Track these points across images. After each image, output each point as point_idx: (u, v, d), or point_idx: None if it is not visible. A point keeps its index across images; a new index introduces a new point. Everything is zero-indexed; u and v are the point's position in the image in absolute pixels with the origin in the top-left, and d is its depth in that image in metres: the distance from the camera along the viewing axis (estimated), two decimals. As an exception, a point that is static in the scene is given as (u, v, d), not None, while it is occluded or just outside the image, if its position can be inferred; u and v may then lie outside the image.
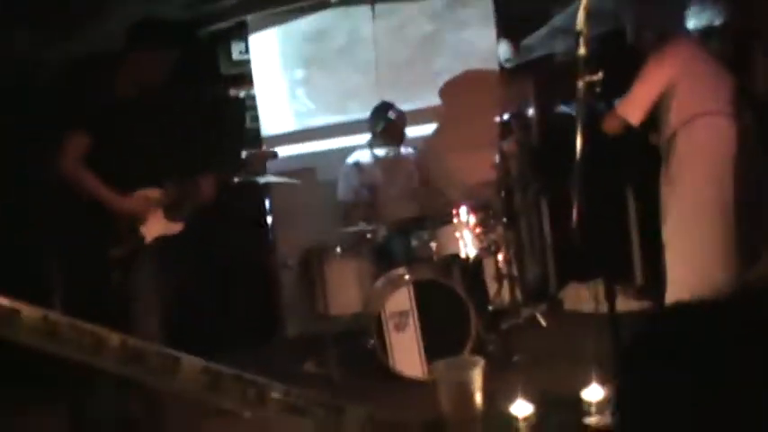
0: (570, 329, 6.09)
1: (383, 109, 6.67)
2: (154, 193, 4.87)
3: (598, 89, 3.91)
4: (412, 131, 6.89)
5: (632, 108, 5.20)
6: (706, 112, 5.18)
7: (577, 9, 4.10)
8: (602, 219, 5.41)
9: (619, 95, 5.46)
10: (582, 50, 3.89)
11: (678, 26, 5.76)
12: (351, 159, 6.73)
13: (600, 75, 3.94)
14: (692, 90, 5.22)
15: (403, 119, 6.68)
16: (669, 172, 5.33)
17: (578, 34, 3.92)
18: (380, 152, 6.69)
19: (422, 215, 6.21)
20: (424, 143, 7.14)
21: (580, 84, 3.87)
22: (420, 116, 7.16)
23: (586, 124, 3.90)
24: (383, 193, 6.58)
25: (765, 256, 3.35)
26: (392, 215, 6.38)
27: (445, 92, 7.28)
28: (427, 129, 7.32)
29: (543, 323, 6.38)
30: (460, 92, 7.25)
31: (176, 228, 5.03)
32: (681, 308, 1.32)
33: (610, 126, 5.29)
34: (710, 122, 5.19)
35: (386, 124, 6.62)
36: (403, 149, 6.74)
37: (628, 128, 5.25)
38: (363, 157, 6.71)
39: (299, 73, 7.36)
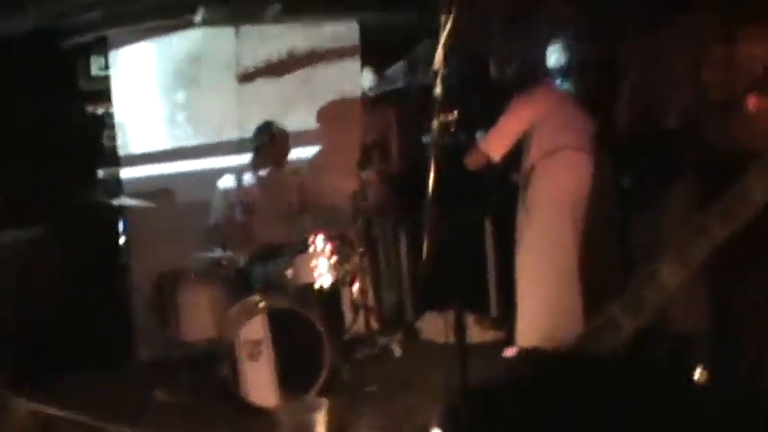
0: (425, 359, 6.12)
1: (264, 127, 6.58)
2: None
3: (452, 129, 3.94)
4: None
5: (495, 145, 5.32)
6: (565, 146, 5.33)
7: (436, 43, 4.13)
8: (458, 249, 5.47)
9: (479, 129, 5.57)
10: (437, 90, 3.91)
11: (540, 63, 5.90)
12: (222, 181, 6.62)
13: (455, 114, 3.97)
14: (553, 128, 5.37)
15: (284, 138, 6.60)
16: (525, 202, 5.45)
17: (435, 73, 3.94)
18: (262, 172, 6.59)
19: (281, 241, 6.14)
20: (307, 164, 7.10)
21: (435, 123, 3.89)
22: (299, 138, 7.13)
23: (439, 163, 3.91)
24: (259, 215, 6.48)
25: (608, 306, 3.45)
26: (266, 238, 6.29)
27: (318, 117, 7.26)
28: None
29: (398, 353, 6.39)
30: (328, 118, 7.23)
31: None
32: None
33: (472, 161, 5.40)
34: (568, 155, 5.35)
35: (265, 142, 6.53)
36: (287, 166, 6.67)
37: (489, 162, 5.36)
38: (243, 177, 6.60)
39: (175, 93, 7.19)
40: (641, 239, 5.22)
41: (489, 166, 5.46)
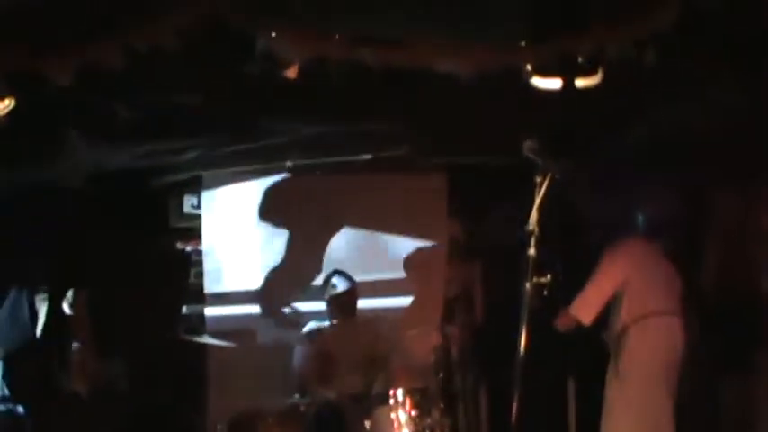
0: None
1: (329, 278, 6.62)
2: None
3: (545, 292, 3.90)
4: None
5: (585, 308, 5.19)
6: (658, 312, 5.21)
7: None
8: (541, 410, 5.35)
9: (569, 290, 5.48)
10: (531, 251, 3.88)
11: (631, 224, 5.85)
12: (307, 327, 6.64)
13: (549, 277, 3.93)
14: (644, 289, 5.27)
15: (352, 289, 6.61)
16: (618, 367, 5.30)
17: (530, 234, 3.92)
18: (335, 321, 6.60)
19: (360, 392, 6.08)
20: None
21: (527, 285, 3.85)
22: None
23: (530, 324, 3.86)
24: (333, 364, 6.46)
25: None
26: (339, 386, 6.27)
27: (404, 265, 7.29)
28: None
29: None
30: (414, 268, 7.25)
31: None
32: None
33: (562, 325, 5.28)
34: (663, 322, 5.22)
35: (332, 294, 6.56)
36: (364, 317, 6.66)
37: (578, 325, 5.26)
38: (321, 324, 6.63)
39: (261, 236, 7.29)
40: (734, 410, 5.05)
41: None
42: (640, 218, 6.32)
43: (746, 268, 5.39)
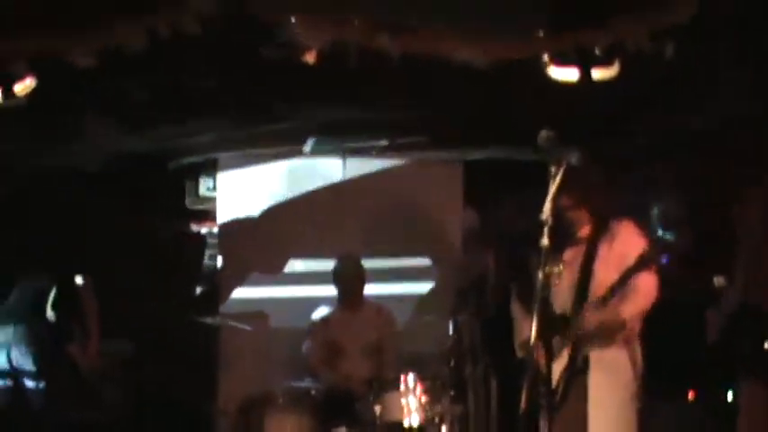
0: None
1: (338, 264, 6.68)
2: None
3: (557, 281, 3.90)
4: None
5: None
6: None
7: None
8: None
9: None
10: (544, 241, 3.87)
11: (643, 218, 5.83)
12: (318, 313, 6.68)
13: (561, 267, 3.93)
14: None
15: (360, 276, 6.65)
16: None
17: (542, 224, 3.91)
18: (343, 307, 6.64)
19: (370, 377, 6.11)
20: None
21: (540, 275, 3.85)
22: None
23: (542, 314, 3.86)
24: (341, 350, 6.50)
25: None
26: (348, 372, 6.31)
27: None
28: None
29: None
30: (428, 255, 7.30)
31: None
32: None
33: None
34: None
35: (342, 280, 6.61)
36: (372, 304, 6.70)
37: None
38: (330, 310, 6.67)
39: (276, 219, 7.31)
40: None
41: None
42: (654, 213, 6.35)
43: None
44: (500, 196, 7.11)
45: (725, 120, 5.79)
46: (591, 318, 4.47)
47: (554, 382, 4.31)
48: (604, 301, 4.45)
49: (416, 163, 7.37)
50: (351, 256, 6.73)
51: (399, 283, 7.23)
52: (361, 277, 6.67)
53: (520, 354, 4.77)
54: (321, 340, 6.53)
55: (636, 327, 4.64)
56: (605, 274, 4.53)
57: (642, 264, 4.36)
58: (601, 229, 4.68)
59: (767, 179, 5.02)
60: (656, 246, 4.55)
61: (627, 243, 4.59)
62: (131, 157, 6.74)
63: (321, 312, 6.69)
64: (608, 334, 4.53)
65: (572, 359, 4.49)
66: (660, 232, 6.30)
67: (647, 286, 4.51)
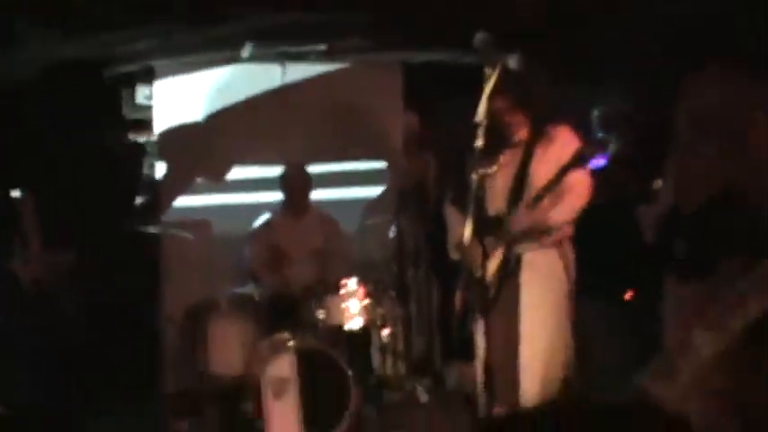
0: (450, 408, 6.08)
1: (285, 172, 6.64)
2: None
3: (491, 183, 3.95)
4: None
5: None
6: None
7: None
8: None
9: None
10: (479, 142, 3.90)
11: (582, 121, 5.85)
12: (261, 219, 6.66)
13: (494, 168, 3.98)
14: None
15: (307, 182, 6.64)
16: None
17: (476, 125, 3.93)
18: (290, 213, 6.63)
19: (313, 282, 6.16)
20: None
21: (474, 176, 3.89)
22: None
23: (477, 214, 3.92)
24: (284, 256, 6.49)
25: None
26: (298, 277, 6.31)
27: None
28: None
29: (424, 399, 6.35)
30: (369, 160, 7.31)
31: None
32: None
33: None
34: None
35: (288, 186, 6.59)
36: (317, 210, 6.70)
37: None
38: (274, 216, 6.64)
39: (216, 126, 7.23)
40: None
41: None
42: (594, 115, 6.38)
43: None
44: (439, 99, 7.12)
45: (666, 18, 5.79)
46: (522, 218, 4.49)
47: (487, 283, 4.32)
48: (536, 201, 4.45)
49: (356, 67, 7.32)
50: (297, 162, 6.70)
51: (341, 188, 7.24)
52: (307, 183, 6.64)
53: (453, 256, 4.79)
54: (264, 245, 6.51)
55: (568, 228, 4.68)
56: (540, 176, 4.53)
57: (573, 163, 4.36)
58: (537, 132, 4.66)
59: (703, 76, 5.03)
60: (588, 146, 4.57)
61: (563, 145, 4.60)
62: (67, 66, 6.61)
63: (264, 218, 6.69)
64: (539, 234, 4.55)
65: (505, 260, 4.50)
66: (600, 134, 6.36)
67: (579, 188, 4.52)
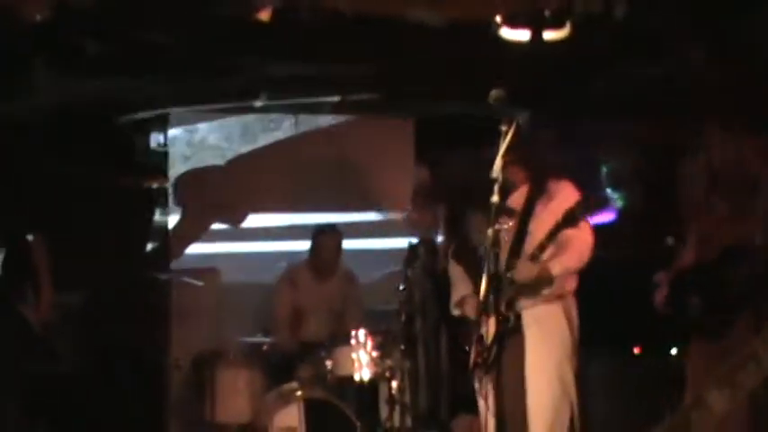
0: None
1: (321, 230, 6.64)
2: None
3: (506, 238, 3.97)
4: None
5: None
6: None
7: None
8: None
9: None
10: (495, 198, 3.93)
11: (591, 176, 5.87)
12: (287, 273, 6.67)
13: (510, 224, 4.00)
14: None
15: (338, 245, 6.62)
16: None
17: (493, 181, 3.96)
18: (314, 271, 6.63)
19: (328, 335, 6.19)
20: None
21: (489, 231, 3.91)
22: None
23: (491, 270, 3.93)
24: (307, 316, 6.54)
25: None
26: (314, 334, 6.35)
27: None
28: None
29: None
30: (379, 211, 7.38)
31: None
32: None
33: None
34: None
35: (317, 248, 6.59)
36: (342, 270, 6.69)
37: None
38: (299, 271, 6.64)
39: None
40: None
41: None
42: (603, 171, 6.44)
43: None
44: (450, 153, 7.16)
45: (671, 77, 5.86)
46: (523, 272, 4.45)
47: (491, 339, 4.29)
48: (534, 257, 4.43)
49: (369, 120, 7.39)
50: (331, 226, 6.69)
51: (351, 240, 7.27)
52: (339, 246, 6.62)
53: (454, 312, 4.79)
54: (288, 306, 6.51)
55: (571, 282, 4.66)
56: (539, 231, 4.50)
57: (568, 218, 4.33)
58: (537, 188, 4.66)
59: (709, 134, 5.08)
60: (587, 202, 4.56)
61: (562, 201, 4.60)
62: (81, 111, 6.68)
63: (288, 271, 6.68)
64: (540, 288, 4.52)
65: (505, 317, 4.46)
66: (609, 190, 6.42)
67: (577, 242, 4.51)
